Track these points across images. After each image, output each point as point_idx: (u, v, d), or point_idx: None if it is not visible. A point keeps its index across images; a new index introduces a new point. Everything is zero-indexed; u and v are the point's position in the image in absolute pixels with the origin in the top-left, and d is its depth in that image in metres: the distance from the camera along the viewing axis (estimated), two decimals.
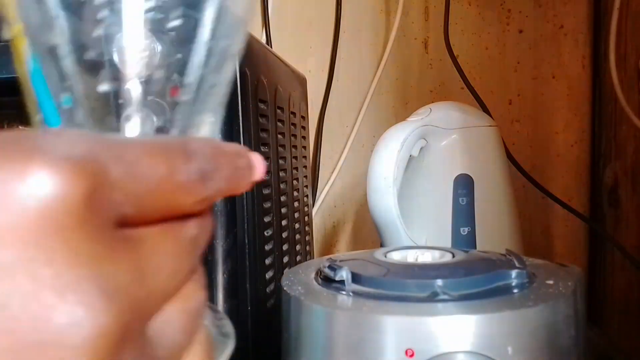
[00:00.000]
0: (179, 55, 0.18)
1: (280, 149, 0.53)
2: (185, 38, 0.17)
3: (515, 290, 0.32)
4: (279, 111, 0.55)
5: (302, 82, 0.71)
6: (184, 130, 0.18)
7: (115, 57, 0.17)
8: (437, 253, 0.40)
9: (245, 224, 0.40)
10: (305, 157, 0.70)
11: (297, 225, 0.63)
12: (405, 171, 0.52)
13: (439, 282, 0.32)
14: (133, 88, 0.17)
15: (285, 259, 0.58)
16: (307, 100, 0.73)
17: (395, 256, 0.40)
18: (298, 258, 0.63)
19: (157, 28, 0.17)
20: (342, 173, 0.76)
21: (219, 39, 0.18)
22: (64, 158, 0.12)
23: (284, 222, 0.57)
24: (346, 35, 0.75)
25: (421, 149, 0.54)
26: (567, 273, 0.36)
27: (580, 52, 0.69)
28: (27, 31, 0.17)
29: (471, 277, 0.33)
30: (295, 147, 0.63)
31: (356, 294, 0.33)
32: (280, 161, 0.57)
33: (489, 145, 0.55)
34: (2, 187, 0.12)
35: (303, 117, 0.69)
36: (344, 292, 0.33)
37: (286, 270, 0.40)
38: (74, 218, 0.12)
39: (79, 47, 0.17)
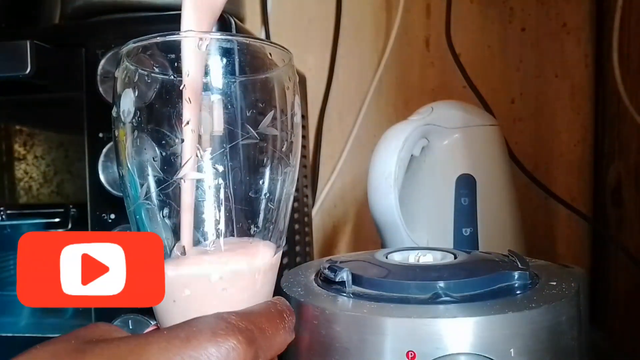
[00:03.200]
0: None
1: None
2: None
3: (518, 292, 0.32)
4: None
5: (301, 80, 0.71)
6: None
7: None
8: (438, 254, 0.39)
9: None
10: (305, 157, 0.69)
11: (296, 226, 0.63)
12: (407, 171, 0.52)
13: (441, 283, 0.31)
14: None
15: (285, 260, 0.57)
16: (307, 99, 0.73)
17: (396, 257, 0.39)
18: (298, 259, 0.63)
19: None
20: (342, 173, 0.76)
21: None
22: (237, 331, 0.22)
23: None
24: (346, 33, 0.75)
25: (423, 148, 0.54)
26: (570, 274, 0.36)
27: (583, 51, 0.69)
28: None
29: (473, 279, 0.32)
30: None
31: (357, 295, 0.32)
32: None
33: (491, 145, 0.55)
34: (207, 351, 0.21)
35: (303, 116, 0.69)
36: (344, 294, 0.33)
37: (286, 272, 0.40)
38: None
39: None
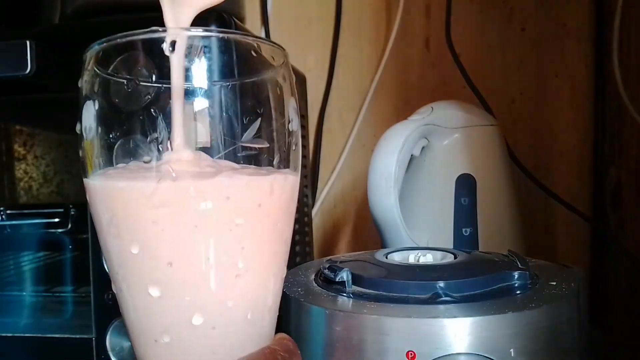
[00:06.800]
0: None
1: None
2: None
3: (518, 292, 0.32)
4: None
5: (301, 80, 0.71)
6: None
7: None
8: (438, 254, 0.39)
9: None
10: (305, 157, 0.69)
11: (296, 226, 0.63)
12: (407, 171, 0.52)
13: (441, 283, 0.31)
14: None
15: None
16: (307, 99, 0.73)
17: (396, 257, 0.39)
18: (297, 259, 0.63)
19: None
20: (342, 173, 0.76)
21: None
22: None
23: None
24: (346, 34, 0.75)
25: (423, 148, 0.54)
26: (570, 274, 0.36)
27: (583, 51, 0.69)
28: None
29: (473, 279, 0.32)
30: None
31: (357, 295, 0.32)
32: None
33: (491, 145, 0.55)
34: None
35: (302, 116, 0.69)
36: (344, 294, 0.33)
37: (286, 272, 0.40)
38: None
39: None
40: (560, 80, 0.70)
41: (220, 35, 0.21)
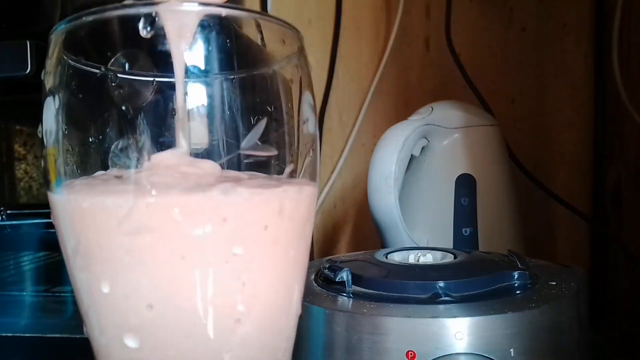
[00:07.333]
0: None
1: None
2: None
3: (518, 292, 0.32)
4: None
5: None
6: None
7: None
8: (438, 254, 0.39)
9: None
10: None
11: None
12: (407, 171, 0.52)
13: (441, 283, 0.31)
14: None
15: None
16: None
17: (396, 257, 0.39)
18: None
19: None
20: (342, 173, 0.76)
21: None
22: None
23: None
24: (346, 34, 0.75)
25: (422, 148, 0.54)
26: (570, 274, 0.36)
27: (583, 51, 0.69)
28: None
29: (473, 279, 0.33)
30: None
31: (357, 295, 0.32)
32: None
33: (491, 145, 0.55)
34: None
35: None
36: (344, 294, 0.33)
37: None
38: None
39: None
40: (560, 80, 0.70)
41: (218, 11, 0.16)
